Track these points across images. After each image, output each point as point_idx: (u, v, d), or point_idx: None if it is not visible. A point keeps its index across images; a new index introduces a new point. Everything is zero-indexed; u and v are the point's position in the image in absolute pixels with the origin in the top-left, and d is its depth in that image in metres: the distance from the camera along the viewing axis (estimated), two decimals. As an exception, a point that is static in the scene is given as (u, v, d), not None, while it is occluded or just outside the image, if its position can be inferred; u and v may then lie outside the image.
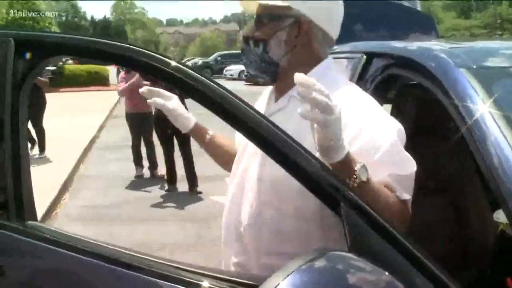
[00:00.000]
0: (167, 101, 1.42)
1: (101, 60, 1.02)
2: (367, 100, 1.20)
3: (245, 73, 28.40)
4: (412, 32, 3.35)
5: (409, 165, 1.12)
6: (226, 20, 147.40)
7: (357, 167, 0.98)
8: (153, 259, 0.93)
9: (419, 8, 3.88)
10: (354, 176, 0.97)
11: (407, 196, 1.10)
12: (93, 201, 5.39)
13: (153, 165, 6.49)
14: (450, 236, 1.97)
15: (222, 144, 1.54)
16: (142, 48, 0.94)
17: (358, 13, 3.31)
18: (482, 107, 1.16)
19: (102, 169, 6.83)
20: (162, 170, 6.31)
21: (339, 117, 0.92)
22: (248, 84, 25.89)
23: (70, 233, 1.01)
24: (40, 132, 7.00)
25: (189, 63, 34.24)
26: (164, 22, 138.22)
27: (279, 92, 1.28)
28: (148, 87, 1.42)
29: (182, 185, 5.71)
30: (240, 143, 1.41)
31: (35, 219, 1.00)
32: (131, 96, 6.11)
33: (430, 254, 0.81)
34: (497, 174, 1.04)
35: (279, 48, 1.22)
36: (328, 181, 0.83)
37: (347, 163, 0.97)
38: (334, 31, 1.26)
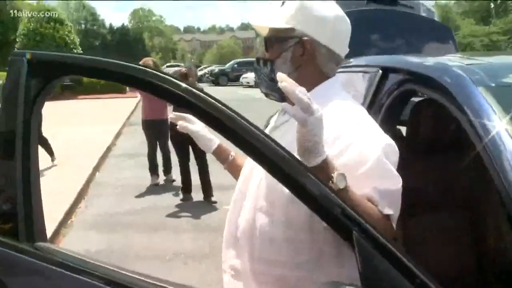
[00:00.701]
0: (192, 124, 1.51)
1: (111, 80, 1.02)
2: (360, 114, 1.23)
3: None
4: (430, 43, 3.32)
5: (395, 181, 1.14)
6: (243, 27, 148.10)
7: (335, 174, 1.02)
8: (161, 284, 0.91)
9: (436, 18, 3.84)
10: (331, 182, 1.00)
11: (390, 211, 1.11)
12: (108, 209, 5.42)
13: (166, 170, 6.55)
14: (468, 253, 1.93)
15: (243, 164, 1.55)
16: (156, 71, 0.94)
17: (375, 23, 3.30)
18: (498, 124, 1.13)
19: (118, 176, 6.88)
20: (174, 176, 6.41)
21: (320, 119, 0.98)
22: (264, 92, 25.92)
23: (78, 254, 1.00)
24: (42, 142, 6.81)
25: (206, 70, 34.50)
26: (182, 29, 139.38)
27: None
28: (176, 113, 1.54)
29: (198, 195, 5.71)
30: None
31: (44, 239, 1.00)
32: (149, 103, 6.18)
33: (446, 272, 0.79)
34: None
35: (285, 67, 1.27)
36: (340, 209, 0.81)
37: (324, 168, 1.02)
38: (340, 48, 1.29)
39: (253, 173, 1.31)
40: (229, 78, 31.79)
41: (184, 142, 5.54)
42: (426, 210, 1.88)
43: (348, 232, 0.80)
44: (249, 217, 1.26)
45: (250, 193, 1.30)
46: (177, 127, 1.53)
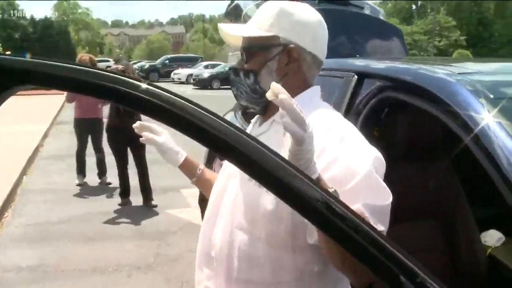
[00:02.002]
0: (157, 135, 1.43)
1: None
2: (346, 127, 1.17)
3: (193, 77, 28.45)
4: (380, 43, 3.31)
5: (385, 196, 1.06)
6: (172, 22, 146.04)
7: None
8: None
9: (382, 18, 3.84)
10: None
11: (381, 227, 1.04)
12: (38, 218, 4.98)
13: (101, 172, 6.33)
14: (440, 261, 1.90)
15: (213, 177, 1.46)
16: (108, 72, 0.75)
17: (327, 23, 3.24)
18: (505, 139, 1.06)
19: (48, 181, 6.40)
20: (110, 179, 6.20)
21: (312, 136, 0.90)
22: (196, 88, 25.79)
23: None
24: None
25: (136, 66, 33.64)
26: (109, 23, 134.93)
27: (264, 117, 1.27)
28: (141, 122, 1.43)
29: (136, 199, 5.43)
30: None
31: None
32: (81, 101, 5.92)
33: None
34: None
35: (270, 77, 1.18)
36: (386, 252, 0.67)
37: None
38: (322, 53, 1.24)
39: (228, 187, 1.24)
40: (160, 74, 31.26)
41: (122, 143, 5.29)
42: (401, 218, 1.83)
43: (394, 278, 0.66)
44: (225, 235, 1.19)
45: (225, 209, 1.22)
46: (141, 138, 1.43)
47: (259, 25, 1.20)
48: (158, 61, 34.69)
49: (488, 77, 1.37)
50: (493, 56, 44.12)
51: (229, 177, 1.26)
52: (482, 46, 47.56)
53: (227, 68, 30.08)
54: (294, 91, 1.17)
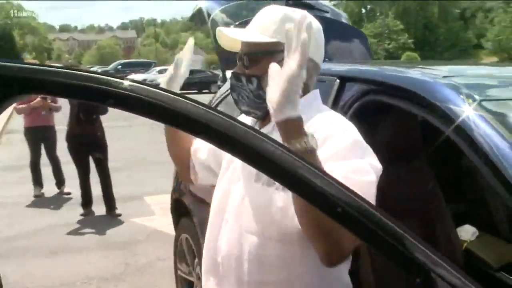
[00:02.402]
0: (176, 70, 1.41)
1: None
2: (348, 124, 1.19)
3: (147, 83, 27.77)
4: (345, 47, 3.37)
5: (370, 174, 1.06)
6: (123, 27, 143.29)
7: (309, 132, 0.97)
8: None
9: (345, 21, 3.92)
10: (305, 141, 0.94)
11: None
12: (-5, 232, 4.75)
13: (59, 182, 6.12)
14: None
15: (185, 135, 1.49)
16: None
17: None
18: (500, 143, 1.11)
19: (3, 194, 6.10)
20: (69, 188, 6.03)
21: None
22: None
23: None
24: None
25: (87, 72, 32.82)
26: (57, 27, 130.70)
27: (264, 122, 1.27)
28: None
29: (99, 208, 5.28)
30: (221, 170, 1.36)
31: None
32: (31, 108, 5.75)
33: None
34: None
35: None
36: (414, 247, 0.69)
37: (300, 124, 0.96)
38: (321, 59, 1.26)
39: (231, 192, 1.25)
40: (113, 80, 30.51)
41: (84, 152, 5.16)
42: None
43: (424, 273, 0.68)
44: (233, 239, 1.21)
45: (230, 214, 1.23)
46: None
47: (261, 30, 1.19)
48: (111, 66, 33.98)
49: (472, 79, 1.43)
50: (439, 59, 45.99)
51: (231, 182, 1.26)
52: (429, 49, 49.47)
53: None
54: None
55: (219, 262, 1.25)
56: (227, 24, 3.51)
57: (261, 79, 1.18)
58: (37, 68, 0.78)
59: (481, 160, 1.14)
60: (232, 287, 1.23)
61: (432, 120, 1.28)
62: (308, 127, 1.14)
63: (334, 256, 1.02)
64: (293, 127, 0.95)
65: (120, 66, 32.51)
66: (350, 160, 1.05)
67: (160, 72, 29.08)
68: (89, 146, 5.11)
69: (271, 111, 0.97)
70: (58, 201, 5.84)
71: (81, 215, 5.24)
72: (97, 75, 0.73)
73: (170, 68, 1.41)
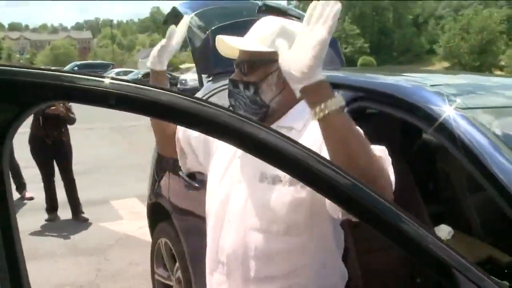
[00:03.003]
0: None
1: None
2: None
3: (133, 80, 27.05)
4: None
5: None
6: (78, 27, 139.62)
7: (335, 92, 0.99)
8: None
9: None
10: (339, 100, 0.96)
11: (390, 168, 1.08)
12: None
13: (20, 186, 5.91)
14: (400, 257, 2.04)
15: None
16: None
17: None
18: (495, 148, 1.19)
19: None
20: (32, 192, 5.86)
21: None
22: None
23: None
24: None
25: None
26: (6, 26, 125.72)
27: None
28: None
29: (64, 212, 5.16)
30: (215, 173, 1.40)
31: None
32: None
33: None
34: None
35: (270, 90, 1.26)
36: (435, 244, 0.75)
37: (329, 85, 0.98)
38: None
39: (231, 194, 1.30)
40: (70, 81, 29.65)
41: (48, 155, 5.03)
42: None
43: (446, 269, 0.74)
44: (238, 239, 1.26)
45: (233, 215, 1.28)
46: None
47: (261, 40, 1.26)
48: (67, 68, 32.94)
49: (459, 88, 1.53)
50: (394, 63, 47.40)
51: (231, 185, 1.31)
52: (384, 54, 50.89)
53: (140, 75, 29.38)
54: (287, 105, 1.29)
55: (223, 261, 1.30)
56: (200, 28, 3.53)
57: (258, 86, 1.25)
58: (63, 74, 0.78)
59: (471, 164, 1.23)
60: (238, 285, 1.28)
61: (421, 125, 1.36)
62: (311, 131, 1.21)
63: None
64: (326, 88, 0.97)
65: (76, 68, 31.66)
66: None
67: (118, 74, 28.58)
68: (52, 149, 4.99)
69: (297, 76, 0.96)
70: (20, 206, 5.64)
71: (46, 220, 5.10)
72: (77, 75, 0.74)
73: (163, 40, 1.47)
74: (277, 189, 1.20)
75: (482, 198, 2.18)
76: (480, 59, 37.94)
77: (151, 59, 1.48)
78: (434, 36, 49.36)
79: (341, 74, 1.91)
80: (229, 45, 1.29)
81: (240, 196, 1.28)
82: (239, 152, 1.31)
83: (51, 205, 5.17)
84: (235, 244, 1.27)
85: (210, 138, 1.41)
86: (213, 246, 1.34)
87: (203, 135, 1.44)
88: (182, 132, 1.51)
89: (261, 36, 1.27)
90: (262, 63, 1.26)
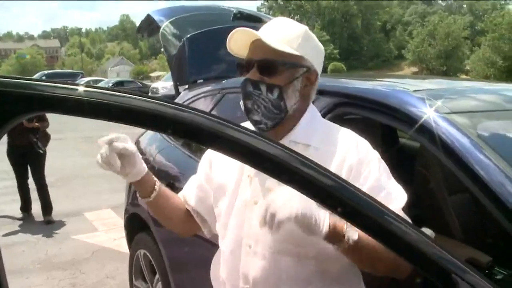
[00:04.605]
0: (125, 142, 1.19)
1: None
2: (365, 142, 1.24)
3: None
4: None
5: (400, 198, 1.18)
6: (45, 35, 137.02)
7: (345, 227, 1.02)
8: None
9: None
10: (346, 238, 1.01)
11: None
12: None
13: None
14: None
15: (171, 195, 1.39)
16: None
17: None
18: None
19: None
20: None
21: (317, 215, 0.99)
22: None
23: None
24: None
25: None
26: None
27: (275, 136, 1.21)
28: (104, 137, 1.18)
29: (38, 227, 5.02)
30: (216, 196, 1.33)
31: None
32: None
33: None
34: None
35: (294, 96, 1.21)
36: (435, 253, 0.75)
37: (334, 230, 1.01)
38: (320, 69, 1.29)
39: (247, 216, 1.22)
40: (38, 91, 29.03)
41: (21, 158, 5.26)
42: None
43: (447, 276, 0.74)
44: (266, 264, 1.19)
45: (252, 240, 1.21)
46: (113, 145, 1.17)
47: (286, 42, 1.17)
48: (34, 77, 32.27)
49: (441, 93, 1.55)
50: (364, 68, 48.19)
51: (246, 206, 1.23)
52: (354, 59, 51.69)
53: (110, 84, 28.94)
54: (301, 111, 1.25)
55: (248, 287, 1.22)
56: (175, 36, 3.50)
57: (283, 90, 1.18)
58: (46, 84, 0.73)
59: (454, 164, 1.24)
60: None
61: (405, 129, 1.37)
62: (321, 140, 1.21)
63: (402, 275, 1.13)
64: (332, 236, 1.01)
65: (44, 77, 30.97)
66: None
67: (88, 83, 28.11)
68: (26, 152, 5.22)
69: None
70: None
71: (18, 219, 5.35)
72: (48, 83, 0.70)
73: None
74: None
75: (461, 200, 2.21)
76: (446, 64, 39.01)
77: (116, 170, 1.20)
78: (402, 42, 50.49)
79: (323, 80, 1.91)
80: (237, 41, 1.20)
81: (258, 218, 1.15)
82: (248, 170, 1.23)
83: (24, 205, 5.44)
84: (262, 269, 1.19)
85: (211, 162, 1.34)
86: (233, 274, 1.25)
87: (203, 177, 1.37)
88: (189, 197, 1.40)
89: (285, 37, 1.18)
90: (290, 66, 1.18)
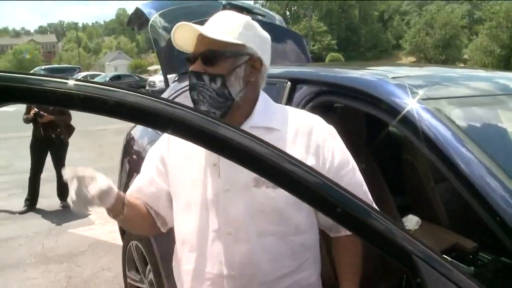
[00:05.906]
0: (98, 179, 1.19)
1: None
2: (321, 120, 1.33)
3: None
4: (284, 50, 3.47)
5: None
6: (42, 30, 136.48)
7: None
8: None
9: (283, 25, 4.02)
10: None
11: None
12: None
13: None
14: (368, 247, 2.07)
15: (136, 202, 1.37)
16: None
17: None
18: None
19: None
20: None
21: None
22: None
23: None
24: None
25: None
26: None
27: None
28: (70, 170, 1.21)
29: (36, 221, 5.03)
30: (179, 190, 1.33)
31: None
32: None
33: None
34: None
35: (237, 84, 1.23)
36: (397, 235, 0.77)
37: None
38: (269, 64, 1.32)
39: (220, 204, 1.24)
40: (35, 86, 28.93)
41: (42, 150, 5.52)
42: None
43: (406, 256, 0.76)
44: (251, 247, 1.23)
45: (232, 226, 1.23)
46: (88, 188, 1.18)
47: (227, 33, 1.21)
48: (32, 72, 32.19)
49: (419, 80, 1.56)
50: (362, 58, 48.08)
51: (215, 195, 1.24)
52: (352, 50, 51.53)
53: (107, 78, 28.92)
54: (251, 99, 1.28)
55: (230, 274, 1.24)
56: (165, 29, 3.50)
57: (226, 78, 1.21)
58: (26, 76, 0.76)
59: (433, 154, 1.26)
60: None
61: (384, 117, 1.39)
62: (281, 122, 1.27)
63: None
64: None
65: (42, 72, 30.94)
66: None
67: (85, 78, 28.06)
68: (48, 147, 5.49)
69: None
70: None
71: (20, 213, 5.44)
72: (40, 76, 0.72)
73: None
74: (279, 192, 1.18)
75: (446, 188, 2.23)
76: (444, 53, 38.89)
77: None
78: (400, 32, 50.33)
79: (305, 69, 1.92)
80: (185, 36, 1.22)
81: (234, 205, 1.22)
82: (213, 159, 1.24)
83: (30, 198, 5.58)
84: (245, 254, 1.22)
85: (163, 158, 1.35)
86: (215, 263, 1.25)
87: (154, 173, 1.36)
88: (141, 194, 1.39)
89: (226, 28, 1.22)
90: (230, 55, 1.21)
